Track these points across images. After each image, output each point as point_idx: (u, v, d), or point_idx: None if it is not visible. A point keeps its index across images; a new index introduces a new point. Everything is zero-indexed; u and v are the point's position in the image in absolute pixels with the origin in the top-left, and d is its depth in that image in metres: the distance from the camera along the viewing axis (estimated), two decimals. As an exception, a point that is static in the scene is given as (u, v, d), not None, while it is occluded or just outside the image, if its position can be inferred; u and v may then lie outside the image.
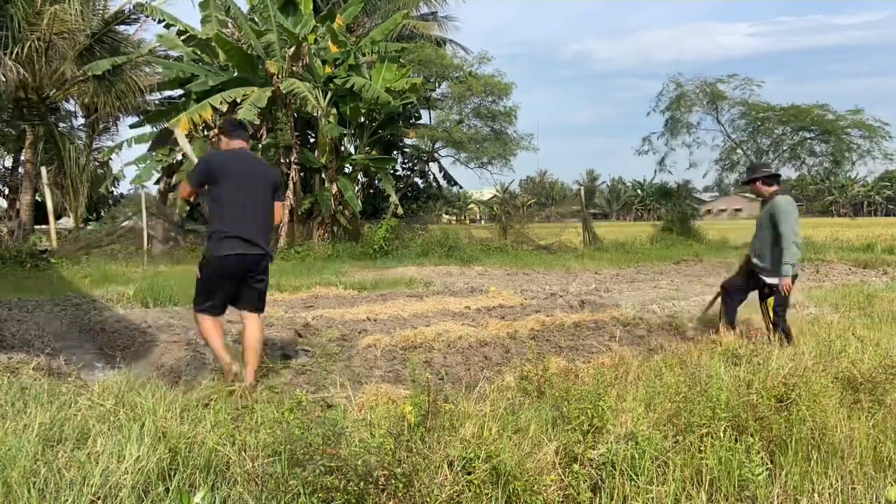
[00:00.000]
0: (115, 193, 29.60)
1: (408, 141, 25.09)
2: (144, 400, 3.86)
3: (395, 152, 25.39)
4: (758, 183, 6.27)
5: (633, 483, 3.03)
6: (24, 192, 18.74)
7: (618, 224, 71.86)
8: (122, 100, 18.36)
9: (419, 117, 24.70)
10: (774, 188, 6.28)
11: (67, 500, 2.69)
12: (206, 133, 19.79)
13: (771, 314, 6.15)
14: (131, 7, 19.22)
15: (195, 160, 5.82)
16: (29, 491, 2.72)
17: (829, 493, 3.08)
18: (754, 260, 6.33)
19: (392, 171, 24.03)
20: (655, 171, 27.61)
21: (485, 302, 9.67)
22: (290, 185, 19.57)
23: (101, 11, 19.78)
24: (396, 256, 18.57)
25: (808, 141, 25.42)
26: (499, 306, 9.26)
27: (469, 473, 2.87)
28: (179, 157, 20.50)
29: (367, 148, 22.02)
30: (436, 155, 25.10)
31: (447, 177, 26.69)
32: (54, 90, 19.13)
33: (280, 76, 18.79)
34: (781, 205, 6.05)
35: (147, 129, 21.53)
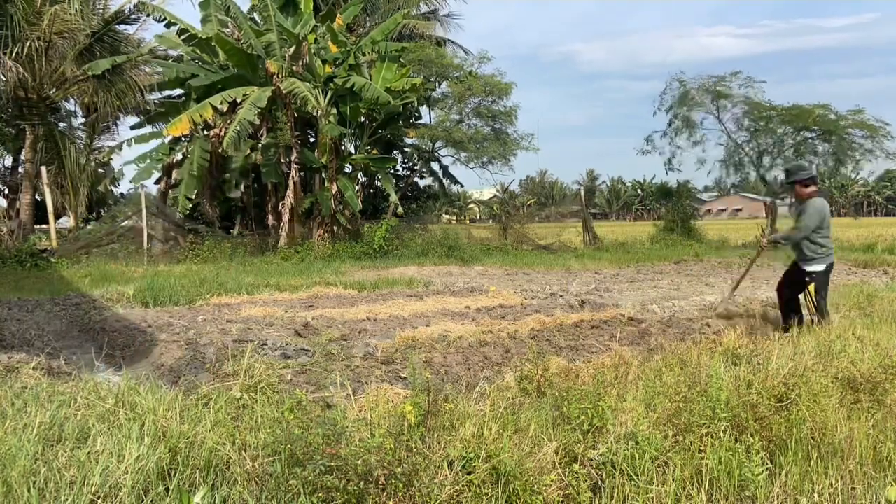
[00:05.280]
0: (115, 193, 29.63)
1: (408, 140, 25.09)
2: (144, 400, 3.85)
3: (395, 152, 25.38)
4: (797, 185, 6.67)
5: (633, 483, 3.03)
6: (24, 192, 18.72)
7: (618, 224, 71.84)
8: (122, 99, 18.34)
9: (419, 117, 24.70)
10: (811, 189, 6.67)
11: (67, 500, 2.69)
12: (206, 133, 19.79)
13: (813, 297, 6.72)
14: (131, 6, 19.23)
15: None
16: (29, 490, 2.72)
17: (829, 493, 3.07)
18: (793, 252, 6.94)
19: (392, 171, 24.03)
20: (666, 171, 27.46)
21: (485, 302, 9.67)
22: (291, 185, 19.57)
23: (101, 11, 19.76)
24: (396, 256, 18.57)
25: (810, 141, 25.38)
26: (499, 306, 9.26)
27: (469, 473, 2.87)
28: (179, 156, 20.51)
29: (368, 148, 22.01)
30: (436, 154, 25.09)
31: (447, 176, 26.69)
32: (54, 90, 19.11)
33: (280, 76, 18.78)
34: (808, 207, 6.60)
35: (147, 128, 21.54)
